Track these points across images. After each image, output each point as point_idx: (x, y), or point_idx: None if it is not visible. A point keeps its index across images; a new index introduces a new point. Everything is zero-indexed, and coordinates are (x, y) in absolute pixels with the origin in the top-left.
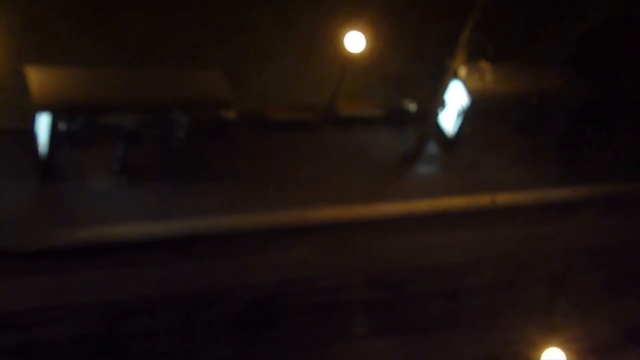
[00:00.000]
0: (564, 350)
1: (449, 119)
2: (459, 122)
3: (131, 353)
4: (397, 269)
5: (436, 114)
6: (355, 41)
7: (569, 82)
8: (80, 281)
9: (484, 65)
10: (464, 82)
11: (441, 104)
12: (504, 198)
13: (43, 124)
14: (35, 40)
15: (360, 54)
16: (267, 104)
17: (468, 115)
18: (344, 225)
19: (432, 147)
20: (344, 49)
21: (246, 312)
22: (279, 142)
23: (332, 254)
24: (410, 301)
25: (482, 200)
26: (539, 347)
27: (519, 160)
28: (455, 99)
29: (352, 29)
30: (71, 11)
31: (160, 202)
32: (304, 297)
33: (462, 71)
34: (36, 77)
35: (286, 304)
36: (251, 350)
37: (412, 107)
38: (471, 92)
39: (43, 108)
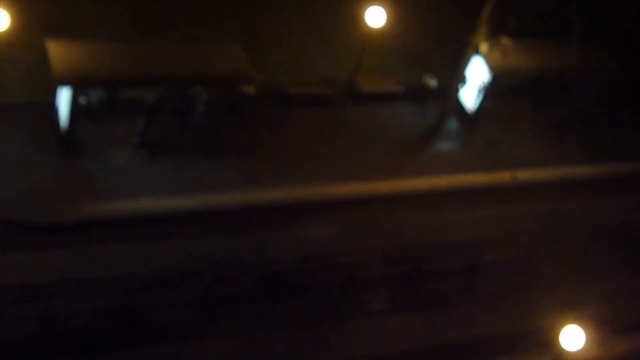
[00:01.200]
0: (583, 327)
1: (469, 95)
2: (480, 98)
3: (152, 325)
4: (416, 245)
5: (457, 90)
6: (376, 16)
7: (590, 57)
8: (101, 254)
9: (506, 41)
10: (485, 58)
11: (462, 79)
12: (524, 175)
13: (64, 97)
14: (57, 14)
15: (381, 29)
16: (287, 79)
17: (489, 91)
18: (363, 202)
19: (453, 124)
20: (364, 24)
21: (265, 286)
22: (299, 118)
23: (351, 231)
24: (429, 277)
25: (502, 177)
26: (558, 324)
27: (539, 138)
28: (476, 75)
29: (373, 4)
30: None
31: (181, 177)
32: (323, 273)
33: (484, 47)
34: (58, 51)
35: (305, 279)
36: (269, 323)
37: (432, 83)
38: (492, 68)
39: (64, 82)
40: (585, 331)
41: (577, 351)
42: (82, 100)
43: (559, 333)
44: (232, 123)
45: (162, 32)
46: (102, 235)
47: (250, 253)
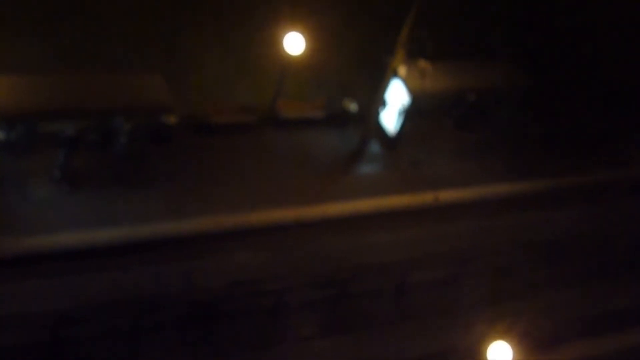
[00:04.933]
0: (510, 343)
1: (390, 118)
2: (400, 120)
3: (79, 358)
4: (342, 268)
5: (377, 114)
6: (294, 42)
7: (509, 76)
8: (24, 290)
9: (424, 63)
10: (404, 80)
11: (382, 103)
12: (447, 195)
13: None
14: None
15: (300, 55)
16: (208, 107)
17: (409, 114)
18: (288, 227)
19: (375, 147)
20: (283, 50)
21: (193, 314)
22: (221, 145)
23: (278, 256)
24: (357, 300)
25: (425, 197)
26: (486, 340)
27: (460, 157)
28: (396, 98)
29: (291, 30)
30: (4, 18)
31: (103, 209)
32: (250, 300)
33: (402, 70)
34: None
35: (232, 306)
36: (198, 352)
37: (353, 107)
38: (411, 90)
39: None
40: (512, 347)
41: None
42: (0, 134)
43: (487, 349)
44: (154, 152)
45: (81, 63)
46: (25, 271)
47: (177, 282)
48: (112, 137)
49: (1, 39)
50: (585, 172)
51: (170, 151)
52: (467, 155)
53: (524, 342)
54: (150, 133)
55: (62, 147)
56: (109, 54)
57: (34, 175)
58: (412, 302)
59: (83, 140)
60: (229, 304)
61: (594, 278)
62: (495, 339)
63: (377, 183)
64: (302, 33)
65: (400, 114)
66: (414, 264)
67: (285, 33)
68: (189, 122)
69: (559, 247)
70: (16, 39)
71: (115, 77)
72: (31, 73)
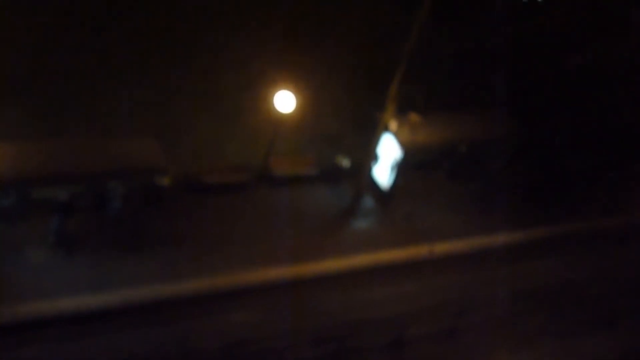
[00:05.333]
0: None
1: (382, 172)
2: (393, 174)
3: None
4: (340, 324)
5: (370, 168)
6: (285, 100)
7: (499, 125)
8: (22, 357)
9: (414, 116)
10: (395, 134)
11: (374, 157)
12: (441, 247)
13: None
14: None
15: (291, 112)
16: (201, 167)
17: (401, 167)
18: (284, 285)
19: (368, 201)
20: (274, 108)
21: None
22: (215, 205)
23: (275, 314)
24: (355, 355)
25: (420, 250)
26: None
27: (454, 209)
28: (388, 152)
29: (281, 89)
30: None
31: (99, 273)
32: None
33: (393, 124)
34: None
35: None
36: None
37: (345, 162)
38: (403, 144)
39: None
40: None
41: None
42: None
43: None
44: (149, 214)
45: (72, 128)
46: (21, 338)
47: (174, 345)
48: (106, 201)
49: None
50: (579, 219)
51: (164, 212)
52: (461, 207)
53: None
54: (143, 195)
55: (57, 212)
56: (101, 118)
57: (29, 241)
58: (410, 356)
59: (77, 204)
60: None
61: (592, 326)
62: None
63: (372, 238)
64: (292, 91)
65: (392, 168)
66: (411, 318)
67: (275, 91)
68: (182, 183)
69: (555, 295)
70: (3, 105)
71: (107, 141)
72: (22, 140)
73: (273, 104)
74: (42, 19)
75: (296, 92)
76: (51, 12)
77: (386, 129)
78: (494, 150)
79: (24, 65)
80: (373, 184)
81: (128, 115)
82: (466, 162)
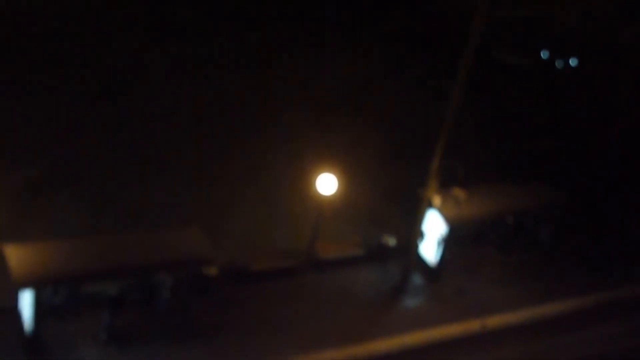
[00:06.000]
0: None
1: (429, 249)
2: (440, 250)
3: None
4: None
5: (416, 246)
6: (327, 183)
7: (545, 195)
8: None
9: (457, 191)
10: (440, 210)
11: (420, 234)
12: (493, 321)
13: (27, 299)
14: (8, 216)
15: (334, 194)
16: (248, 254)
17: (448, 242)
18: None
19: (417, 279)
20: (317, 191)
21: None
22: (264, 292)
23: None
24: None
25: (472, 325)
26: None
27: (504, 281)
28: (434, 228)
29: (323, 172)
30: (40, 183)
31: None
32: None
33: (437, 199)
34: (15, 255)
35: None
36: None
37: (391, 241)
38: (448, 219)
39: (24, 284)
40: None
41: None
42: (45, 299)
43: None
44: (197, 305)
45: (118, 222)
46: None
47: None
48: (154, 293)
49: (37, 205)
50: (633, 284)
51: (213, 302)
52: (511, 278)
53: None
54: (192, 285)
55: (107, 307)
56: (145, 211)
57: (81, 338)
58: None
59: (126, 298)
60: None
61: None
62: None
63: (422, 315)
64: (334, 173)
65: (439, 243)
66: None
67: (317, 174)
68: (230, 271)
69: None
70: (50, 206)
71: (153, 233)
72: (71, 237)
73: (316, 187)
74: (87, 119)
75: (338, 174)
76: (94, 114)
77: (430, 205)
78: (541, 221)
79: (72, 164)
80: (421, 261)
81: (173, 206)
82: (514, 233)
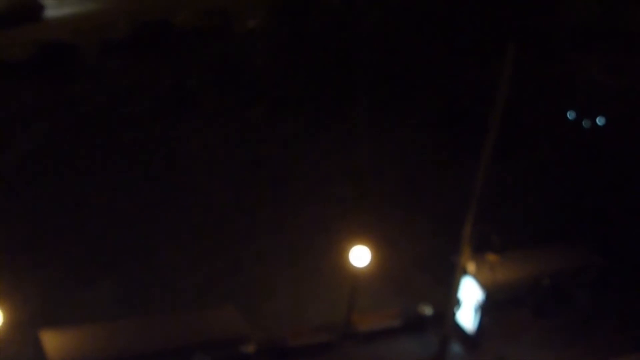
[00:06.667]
0: None
1: (467, 316)
2: (478, 317)
3: None
4: None
5: (453, 314)
6: (360, 255)
7: (580, 257)
8: None
9: (492, 256)
10: (475, 276)
11: (456, 302)
12: None
13: None
14: (48, 305)
15: (368, 266)
16: (284, 330)
17: (485, 309)
18: None
19: (456, 347)
20: (350, 264)
21: None
22: None
23: None
24: None
25: None
26: None
27: (545, 345)
28: (470, 295)
29: (355, 244)
30: (76, 270)
31: None
32: None
33: (471, 266)
34: (51, 340)
35: None
36: None
37: (428, 310)
38: (483, 285)
39: None
40: None
41: None
42: None
43: None
44: None
45: (152, 304)
46: None
47: None
48: None
49: (72, 294)
50: None
51: None
52: (551, 342)
53: None
54: None
55: None
56: (177, 291)
57: None
58: None
59: None
60: None
61: None
62: None
63: None
64: (367, 245)
65: (476, 310)
66: None
67: (350, 247)
68: (267, 348)
69: None
70: (86, 291)
71: (187, 314)
72: (109, 321)
73: (349, 260)
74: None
75: (370, 246)
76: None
77: (465, 272)
78: (578, 282)
79: (107, 251)
80: (458, 329)
81: (206, 286)
82: (551, 296)
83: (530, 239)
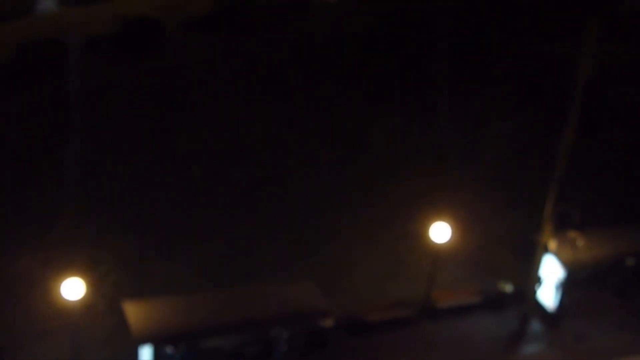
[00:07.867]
0: None
1: (547, 294)
2: (559, 295)
3: None
4: None
5: (534, 292)
6: (441, 231)
7: None
8: None
9: (573, 234)
10: (556, 254)
11: (537, 280)
12: None
13: (146, 355)
14: (130, 277)
15: (448, 243)
16: (362, 306)
17: (566, 287)
18: None
19: (535, 325)
20: (431, 240)
21: None
22: (380, 343)
23: None
24: None
25: None
26: None
27: (625, 326)
28: (551, 273)
29: (437, 220)
30: (159, 243)
31: None
32: None
33: (553, 244)
34: (134, 312)
35: None
36: None
37: (508, 288)
38: (565, 263)
39: (144, 341)
40: None
41: None
42: (163, 355)
43: None
44: (314, 357)
45: (234, 279)
46: None
47: None
48: (271, 347)
49: (155, 268)
50: None
51: (330, 354)
52: (632, 324)
53: None
54: (308, 339)
55: None
56: (258, 267)
57: None
58: None
59: (244, 353)
60: None
61: None
62: None
63: None
64: (447, 221)
65: (557, 288)
66: None
67: (430, 223)
68: (346, 323)
69: None
70: (168, 265)
71: (268, 288)
72: (188, 294)
73: (429, 237)
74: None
75: (451, 222)
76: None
77: (546, 250)
78: None
79: (188, 225)
80: (539, 307)
81: (287, 262)
82: (635, 277)
83: (614, 218)
